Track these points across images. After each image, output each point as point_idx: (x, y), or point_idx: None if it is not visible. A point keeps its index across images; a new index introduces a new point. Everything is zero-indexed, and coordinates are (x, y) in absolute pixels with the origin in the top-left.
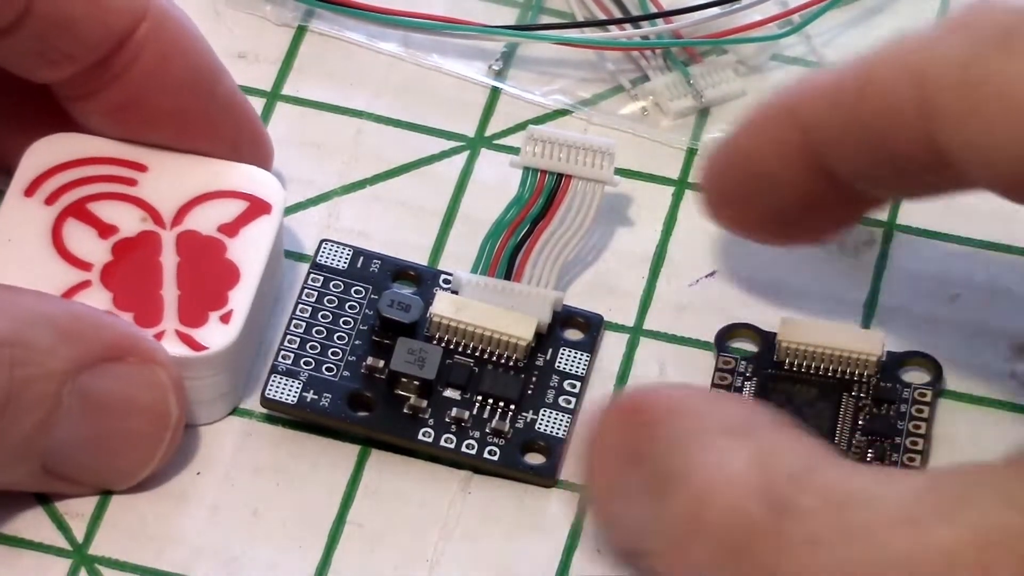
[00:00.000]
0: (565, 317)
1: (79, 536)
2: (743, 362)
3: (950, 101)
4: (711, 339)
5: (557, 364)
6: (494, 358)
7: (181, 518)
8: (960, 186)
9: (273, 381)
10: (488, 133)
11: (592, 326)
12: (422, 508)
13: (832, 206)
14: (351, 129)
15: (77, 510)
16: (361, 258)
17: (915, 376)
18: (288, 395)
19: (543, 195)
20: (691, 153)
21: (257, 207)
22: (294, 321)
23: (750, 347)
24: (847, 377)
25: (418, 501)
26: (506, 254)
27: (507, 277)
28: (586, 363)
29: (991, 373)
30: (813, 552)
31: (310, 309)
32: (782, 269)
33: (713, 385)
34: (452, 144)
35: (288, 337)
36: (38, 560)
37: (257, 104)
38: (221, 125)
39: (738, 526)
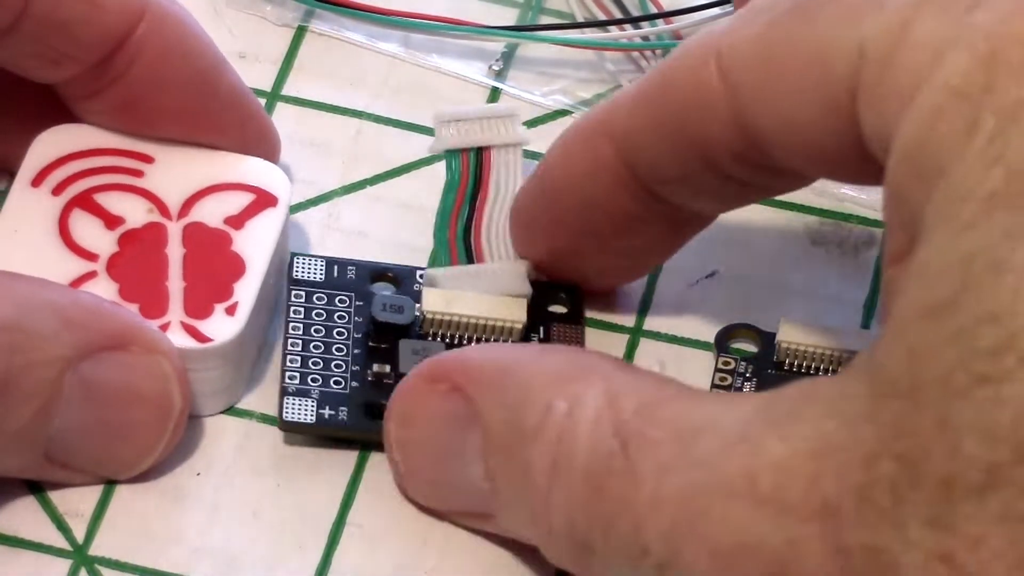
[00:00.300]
0: (544, 292)
1: (79, 536)
2: (743, 362)
3: (750, 75)
4: (711, 339)
5: (553, 339)
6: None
7: (181, 518)
8: (774, 175)
9: (287, 404)
10: None
11: (573, 296)
12: (423, 508)
13: (651, 228)
14: (351, 129)
15: (77, 510)
16: (336, 267)
17: None
18: (305, 415)
19: (471, 173)
20: None
21: (263, 200)
22: (290, 340)
23: (750, 347)
24: None
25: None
26: (459, 239)
27: (470, 260)
28: (581, 334)
29: None
30: (662, 481)
31: (301, 326)
32: (782, 269)
33: (713, 386)
34: None
35: (289, 357)
36: (38, 560)
37: None
38: (226, 120)
39: (597, 465)
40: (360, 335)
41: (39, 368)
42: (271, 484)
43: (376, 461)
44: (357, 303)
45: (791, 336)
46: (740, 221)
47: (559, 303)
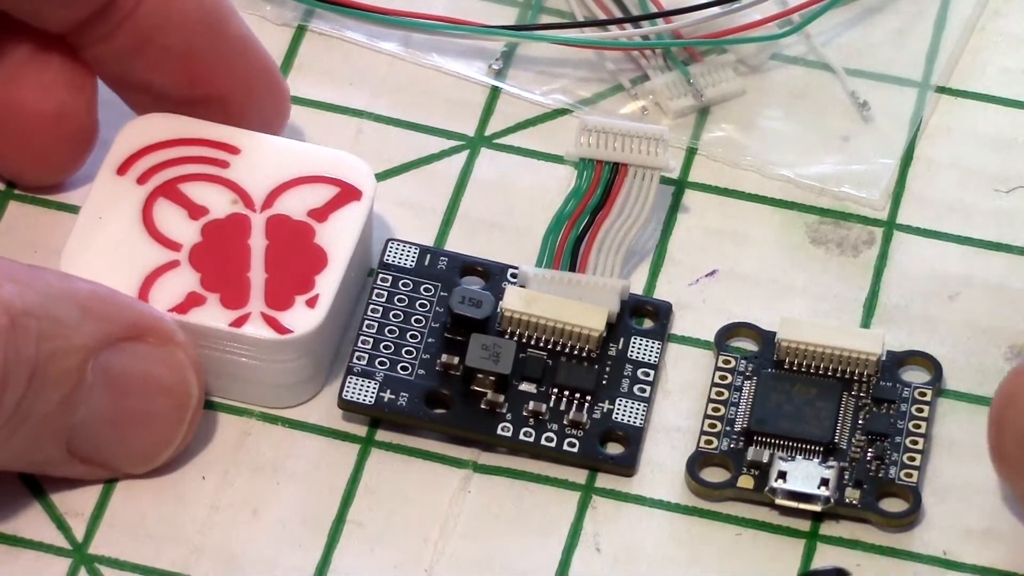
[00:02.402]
0: (634, 306)
1: (79, 535)
2: (743, 361)
3: None
4: (711, 338)
5: (630, 353)
6: (567, 350)
7: (181, 517)
8: None
9: (349, 383)
10: (488, 132)
11: (661, 313)
12: (422, 507)
13: None
14: (351, 128)
15: (77, 509)
16: (428, 256)
17: (915, 376)
18: (365, 396)
19: (600, 185)
20: (691, 152)
21: (347, 193)
22: (366, 322)
23: (750, 346)
24: (847, 376)
25: (418, 500)
26: (568, 246)
27: (572, 269)
28: (658, 351)
29: (991, 373)
30: None
31: (381, 309)
32: (782, 269)
33: (713, 384)
34: (452, 143)
35: (361, 338)
36: (38, 559)
37: None
38: (233, 66)
39: None
40: (438, 325)
41: (64, 356)
42: (271, 483)
43: (376, 459)
44: (442, 293)
45: (791, 335)
46: (740, 220)
47: (647, 317)
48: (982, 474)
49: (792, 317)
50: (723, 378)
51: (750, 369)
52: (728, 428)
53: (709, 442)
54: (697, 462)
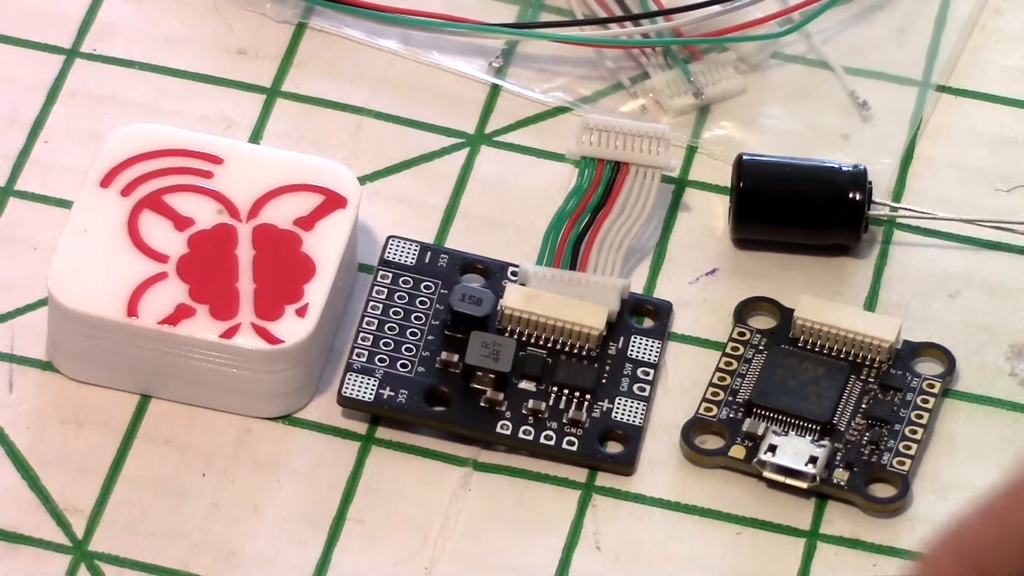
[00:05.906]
0: (634, 304)
1: (79, 532)
2: (758, 334)
3: None
4: (710, 336)
5: (630, 352)
6: (567, 348)
7: (181, 514)
8: None
9: (349, 380)
10: (488, 130)
11: (661, 313)
12: (422, 505)
13: None
14: (351, 125)
15: (77, 506)
16: (429, 253)
17: (927, 368)
18: (365, 393)
19: (601, 184)
20: (691, 151)
21: (333, 201)
22: (366, 318)
23: (770, 322)
24: (858, 360)
25: (418, 498)
26: (569, 244)
27: (572, 267)
28: (658, 350)
29: (991, 372)
30: None
31: (381, 306)
32: (782, 268)
33: (724, 354)
34: (452, 141)
35: (361, 335)
36: (38, 556)
37: (257, 100)
38: None
39: None
40: (438, 323)
41: None
42: (271, 480)
43: (376, 457)
44: (442, 291)
45: (809, 313)
46: None
47: (647, 316)
48: (983, 473)
49: (814, 296)
50: (735, 349)
51: (763, 343)
52: (731, 398)
53: (709, 409)
54: (693, 428)
